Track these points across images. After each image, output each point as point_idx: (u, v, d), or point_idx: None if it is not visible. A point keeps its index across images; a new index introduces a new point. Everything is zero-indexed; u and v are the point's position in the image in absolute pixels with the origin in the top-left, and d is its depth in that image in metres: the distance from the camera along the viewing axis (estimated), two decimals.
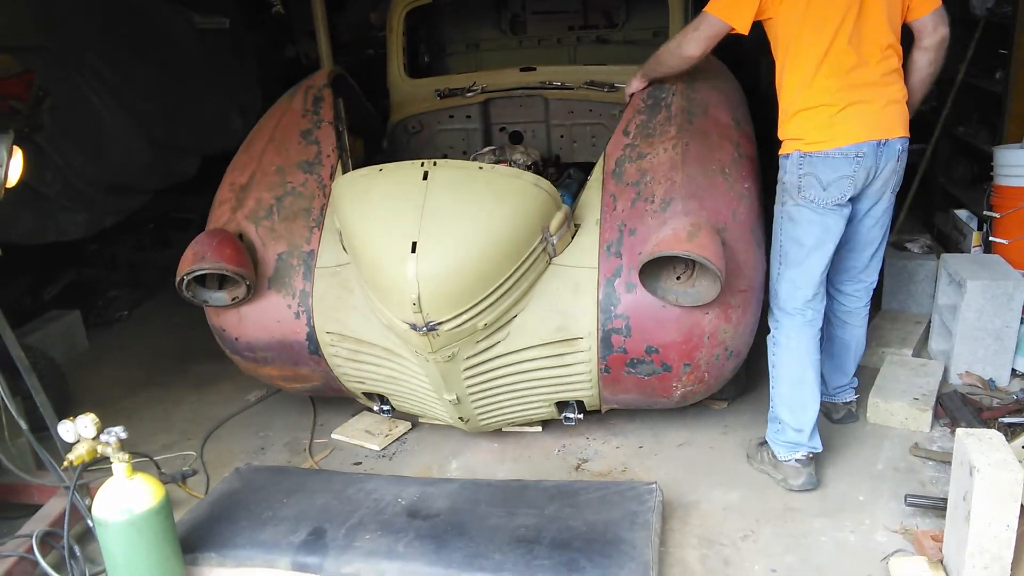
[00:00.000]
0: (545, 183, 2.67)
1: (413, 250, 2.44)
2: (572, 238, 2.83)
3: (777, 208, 2.81)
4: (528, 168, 3.84)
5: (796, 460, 2.85)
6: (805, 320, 2.79)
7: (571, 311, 2.77)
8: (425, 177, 2.54)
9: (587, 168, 4.12)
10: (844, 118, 2.60)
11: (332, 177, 3.09)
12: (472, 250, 2.50)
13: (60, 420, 2.35)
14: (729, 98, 3.22)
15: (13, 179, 2.93)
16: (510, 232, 2.59)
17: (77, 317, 4.33)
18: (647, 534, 2.47)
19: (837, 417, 3.27)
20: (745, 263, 2.76)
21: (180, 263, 2.85)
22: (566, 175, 3.95)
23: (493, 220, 2.55)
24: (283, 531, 2.58)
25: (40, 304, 4.43)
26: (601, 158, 2.97)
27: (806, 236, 2.72)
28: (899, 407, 3.23)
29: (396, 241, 2.48)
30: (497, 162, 3.86)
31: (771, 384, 2.90)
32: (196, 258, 2.81)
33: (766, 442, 2.96)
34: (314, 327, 2.97)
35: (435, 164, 2.57)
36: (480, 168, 2.62)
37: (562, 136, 4.15)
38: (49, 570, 2.47)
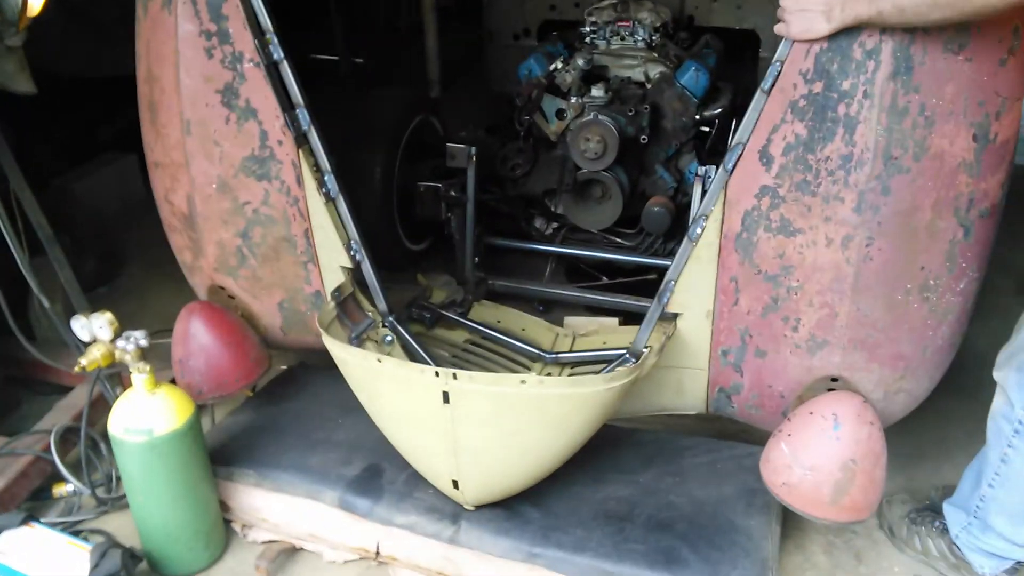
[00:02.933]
0: (623, 378, 1.86)
1: (456, 486, 1.94)
2: (671, 333, 2.03)
3: None
4: (655, 31, 3.14)
5: (1003, 572, 2.08)
6: None
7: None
8: (446, 400, 1.83)
9: (727, 35, 3.41)
10: None
11: (300, 181, 2.11)
12: (529, 471, 1.98)
13: (77, 314, 1.97)
14: (972, 92, 1.67)
15: (37, 5, 2.43)
16: (579, 441, 1.96)
17: (133, 162, 3.93)
18: (766, 521, 2.00)
19: None
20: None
21: (176, 379, 2.26)
22: (702, 43, 3.22)
23: (556, 443, 1.93)
24: (334, 460, 2.20)
25: (94, 146, 4.05)
26: (720, 199, 1.83)
27: None
28: None
29: (431, 466, 1.99)
30: (617, 20, 3.15)
31: (985, 477, 1.98)
32: (193, 392, 2.17)
33: (942, 527, 2.14)
34: None
35: (455, 377, 1.79)
36: (522, 383, 1.79)
37: None
38: (68, 475, 2.16)
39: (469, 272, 3.00)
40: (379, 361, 1.85)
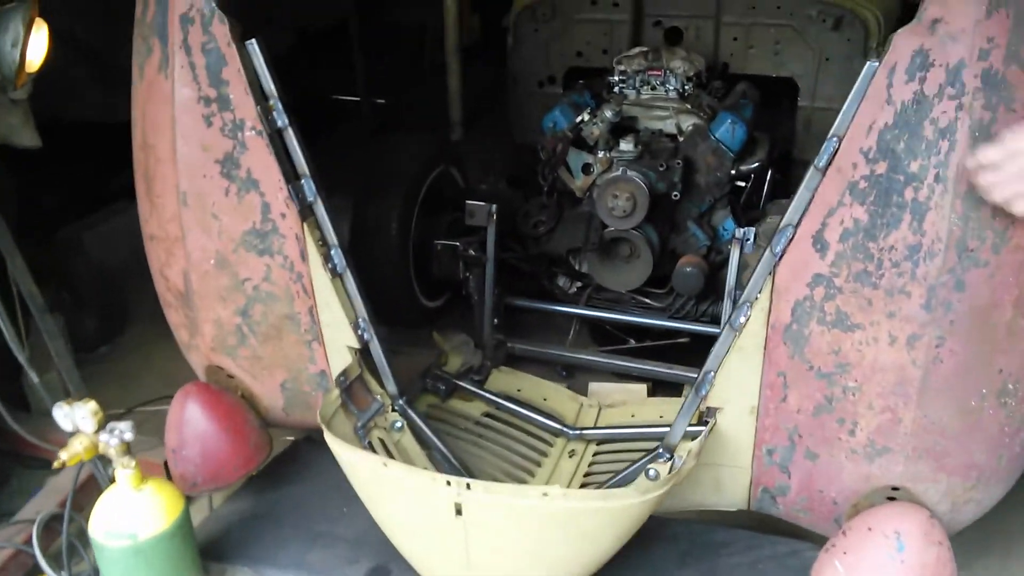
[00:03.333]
0: (657, 489, 1.69)
1: None
2: (710, 429, 1.85)
3: None
4: (688, 80, 2.96)
5: None
6: None
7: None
8: (459, 512, 1.65)
9: (762, 82, 3.23)
10: None
11: (304, 256, 1.94)
12: None
13: (60, 402, 1.81)
14: None
15: (36, 60, 2.31)
16: (607, 556, 1.76)
17: None
18: None
19: None
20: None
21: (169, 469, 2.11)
22: (738, 93, 3.03)
23: (581, 560, 1.73)
24: (337, 558, 2.01)
25: (106, 194, 3.95)
26: (768, 285, 1.65)
27: None
28: None
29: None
30: (648, 69, 2.98)
31: None
32: (187, 484, 2.03)
33: None
34: None
35: (468, 487, 1.63)
36: (544, 496, 1.62)
37: (735, 39, 3.19)
38: (49, 571, 2.00)
39: (488, 336, 2.82)
40: (384, 465, 1.67)
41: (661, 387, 2.88)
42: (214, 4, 1.84)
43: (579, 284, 3.01)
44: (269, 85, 1.88)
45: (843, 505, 1.72)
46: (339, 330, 2.02)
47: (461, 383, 2.59)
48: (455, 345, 3.22)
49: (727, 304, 2.38)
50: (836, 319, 1.57)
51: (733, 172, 2.76)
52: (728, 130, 2.72)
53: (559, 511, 1.59)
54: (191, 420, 2.02)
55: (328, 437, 1.79)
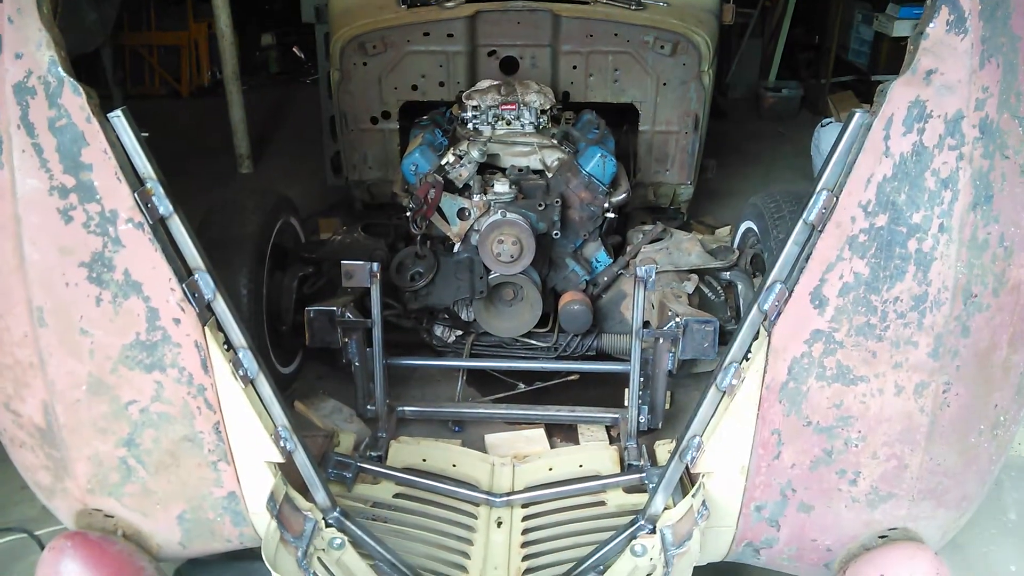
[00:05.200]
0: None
1: None
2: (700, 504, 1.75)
3: None
4: (541, 114, 2.90)
5: None
6: None
7: None
8: None
9: (604, 110, 3.25)
10: None
11: (207, 365, 1.62)
12: None
13: None
14: None
15: None
16: None
17: None
18: None
19: None
20: None
21: None
22: (585, 121, 3.02)
23: None
24: None
25: None
26: (764, 345, 1.60)
27: None
28: None
29: None
30: (503, 104, 2.88)
31: None
32: None
33: None
34: None
35: None
36: None
37: (574, 67, 3.19)
38: None
39: (380, 406, 2.57)
40: None
41: (556, 429, 2.81)
42: (61, 71, 1.45)
43: (458, 333, 2.84)
44: (145, 165, 1.52)
45: (837, 551, 1.73)
46: (254, 444, 1.70)
47: (365, 465, 2.32)
48: (326, 414, 2.92)
49: (635, 343, 2.34)
50: (837, 373, 1.56)
51: (606, 205, 2.74)
52: (599, 164, 2.70)
53: None
54: None
55: None
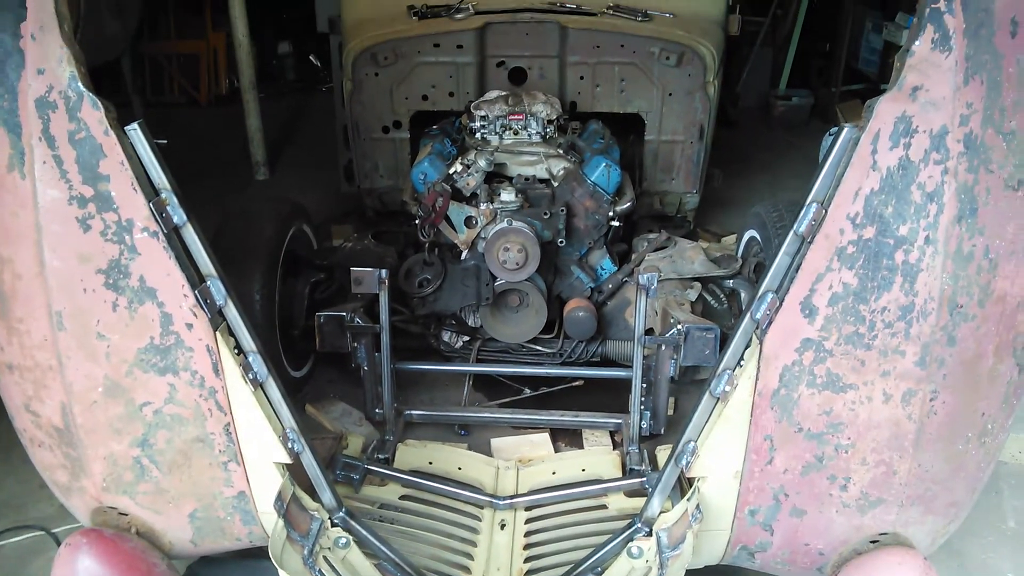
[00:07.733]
0: None
1: None
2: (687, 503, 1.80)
3: None
4: (548, 124, 2.96)
5: None
6: None
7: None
8: None
9: (611, 120, 3.31)
10: None
11: (219, 368, 1.68)
12: None
13: None
14: None
15: None
16: None
17: None
18: None
19: None
20: None
21: None
22: (591, 131, 3.08)
23: None
24: None
25: None
26: (756, 353, 1.64)
27: None
28: None
29: None
30: (510, 114, 2.94)
31: None
32: None
33: None
34: None
35: None
36: None
37: (582, 77, 3.24)
38: None
39: (388, 410, 2.63)
40: None
41: (561, 433, 2.86)
42: (80, 85, 1.52)
43: (465, 338, 2.90)
44: (160, 176, 1.59)
45: (829, 555, 1.77)
46: (263, 445, 1.76)
47: (372, 467, 2.38)
48: (336, 417, 2.99)
49: (637, 350, 2.39)
50: (827, 381, 1.60)
51: (611, 214, 2.79)
52: (603, 173, 2.75)
53: None
54: None
55: None
